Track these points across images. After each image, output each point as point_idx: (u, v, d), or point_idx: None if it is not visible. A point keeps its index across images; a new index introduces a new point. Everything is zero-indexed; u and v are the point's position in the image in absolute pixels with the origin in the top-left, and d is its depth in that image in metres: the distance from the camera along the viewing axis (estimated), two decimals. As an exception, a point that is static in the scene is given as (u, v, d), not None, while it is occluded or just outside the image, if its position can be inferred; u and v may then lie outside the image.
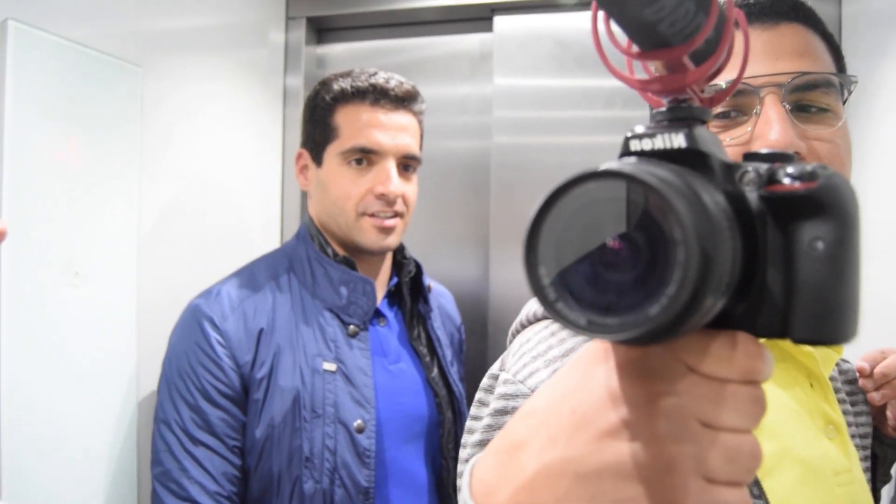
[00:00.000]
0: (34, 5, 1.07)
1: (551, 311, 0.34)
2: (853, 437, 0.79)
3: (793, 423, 0.69)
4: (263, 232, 1.80)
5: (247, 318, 1.23)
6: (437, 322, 1.41)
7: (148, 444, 1.28)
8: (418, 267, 1.41)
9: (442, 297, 1.54)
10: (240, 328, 1.21)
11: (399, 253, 1.42)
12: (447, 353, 1.38)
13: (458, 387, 1.37)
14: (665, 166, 0.34)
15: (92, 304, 1.19)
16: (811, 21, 0.74)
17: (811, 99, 0.70)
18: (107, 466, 1.23)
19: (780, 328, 0.37)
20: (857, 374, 0.93)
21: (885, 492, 1.05)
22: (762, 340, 0.39)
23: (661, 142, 0.37)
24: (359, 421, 1.20)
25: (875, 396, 0.93)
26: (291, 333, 1.23)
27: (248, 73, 1.72)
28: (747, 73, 0.69)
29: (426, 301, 1.41)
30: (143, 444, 1.30)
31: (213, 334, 1.20)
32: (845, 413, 0.79)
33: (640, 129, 0.38)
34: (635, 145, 0.38)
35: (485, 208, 1.80)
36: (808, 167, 0.36)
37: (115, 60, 1.24)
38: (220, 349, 1.19)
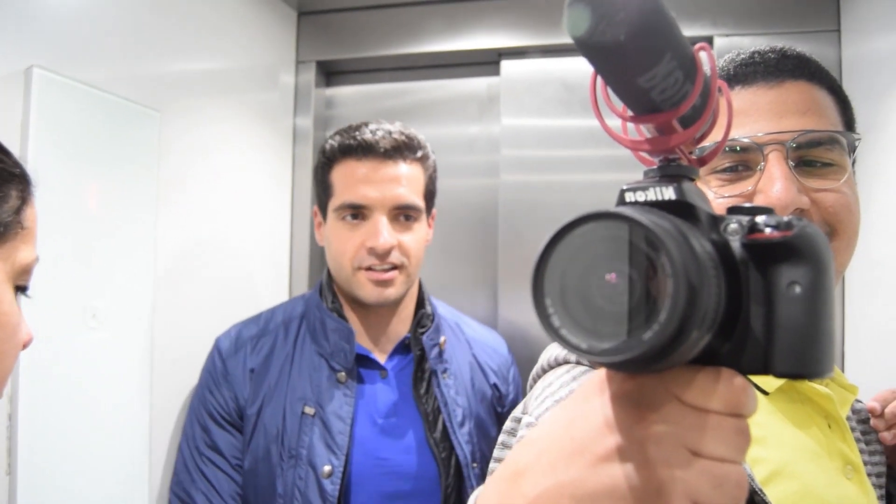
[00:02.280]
0: (56, 52, 1.11)
1: (555, 337, 0.38)
2: (869, 475, 0.80)
3: (813, 464, 0.70)
4: (274, 272, 1.83)
5: (247, 358, 1.33)
6: (451, 380, 1.37)
7: (158, 479, 1.33)
8: (435, 323, 1.40)
9: (483, 351, 1.50)
10: (239, 366, 1.33)
11: (419, 307, 1.43)
12: (456, 414, 1.34)
13: (464, 451, 1.32)
14: (658, 213, 0.38)
15: (108, 346, 1.21)
16: (817, 77, 0.76)
17: (815, 155, 0.72)
18: (120, 493, 1.25)
19: (763, 365, 0.41)
20: (869, 414, 0.95)
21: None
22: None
23: (653, 194, 0.42)
24: (328, 466, 1.22)
25: (887, 436, 0.93)
26: (284, 376, 1.30)
27: (260, 114, 1.76)
28: (753, 131, 0.73)
29: (440, 359, 1.38)
30: (155, 474, 1.33)
31: (219, 366, 1.33)
32: (861, 452, 0.80)
33: (634, 183, 0.42)
34: (630, 196, 0.42)
35: (493, 246, 1.83)
36: (785, 218, 0.40)
37: (134, 105, 1.27)
38: (222, 380, 1.32)
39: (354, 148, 1.30)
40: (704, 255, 0.37)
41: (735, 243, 0.41)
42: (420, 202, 1.35)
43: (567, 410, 0.45)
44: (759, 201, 0.71)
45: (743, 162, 0.74)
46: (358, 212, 1.31)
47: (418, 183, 1.35)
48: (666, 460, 0.38)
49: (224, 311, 1.55)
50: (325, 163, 1.35)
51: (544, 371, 0.79)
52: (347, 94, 2.02)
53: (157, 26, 1.36)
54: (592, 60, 0.39)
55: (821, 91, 0.76)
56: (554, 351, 0.79)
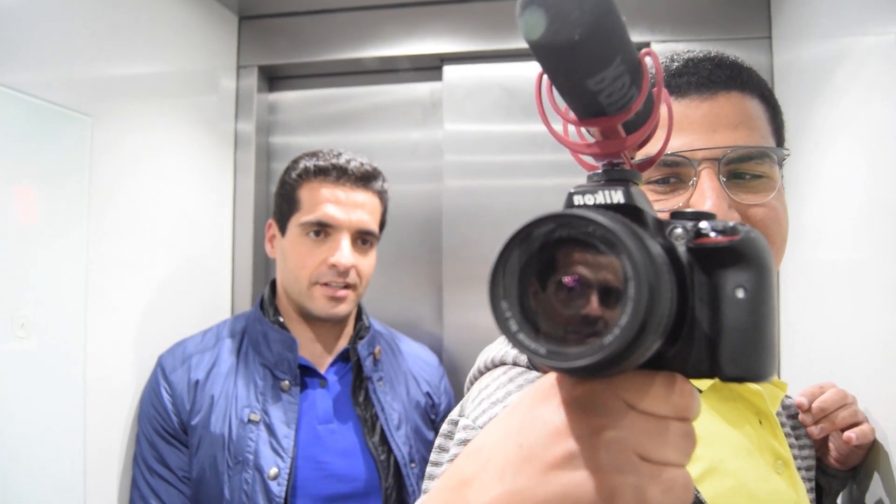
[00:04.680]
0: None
1: (514, 342, 0.37)
2: (799, 469, 0.82)
3: (745, 461, 0.71)
4: (214, 282, 1.78)
5: (191, 370, 1.37)
6: (386, 387, 1.46)
7: (94, 497, 1.28)
8: (370, 334, 1.49)
9: (415, 363, 1.59)
10: (183, 379, 1.36)
11: (358, 321, 1.52)
12: (392, 418, 1.42)
13: (401, 452, 1.40)
14: (612, 215, 0.37)
15: (38, 357, 1.16)
16: (749, 86, 0.78)
17: (746, 168, 0.74)
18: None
19: (709, 368, 0.41)
20: (798, 409, 0.97)
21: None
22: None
23: (601, 197, 0.41)
24: (274, 469, 1.28)
25: (814, 430, 0.96)
26: (228, 386, 1.34)
27: (199, 119, 1.72)
28: (687, 145, 0.74)
29: (375, 367, 1.46)
30: (90, 491, 1.27)
31: (162, 382, 1.37)
32: (791, 447, 0.82)
33: (582, 186, 0.41)
34: (578, 200, 0.42)
35: (437, 250, 1.83)
36: (730, 223, 0.41)
37: (63, 110, 1.23)
38: (165, 395, 1.35)
39: (329, 170, 1.39)
40: (660, 258, 0.37)
41: (681, 247, 0.41)
42: (377, 230, 1.46)
43: (514, 416, 0.43)
44: None
45: (675, 174, 0.75)
46: (322, 230, 1.39)
47: (377, 213, 1.46)
48: (618, 466, 0.38)
49: (162, 321, 1.51)
50: (296, 179, 1.42)
51: (481, 373, 0.78)
52: (290, 99, 1.99)
53: (90, 28, 1.31)
54: (544, 61, 0.38)
55: (752, 100, 0.77)
56: (491, 353, 0.79)
